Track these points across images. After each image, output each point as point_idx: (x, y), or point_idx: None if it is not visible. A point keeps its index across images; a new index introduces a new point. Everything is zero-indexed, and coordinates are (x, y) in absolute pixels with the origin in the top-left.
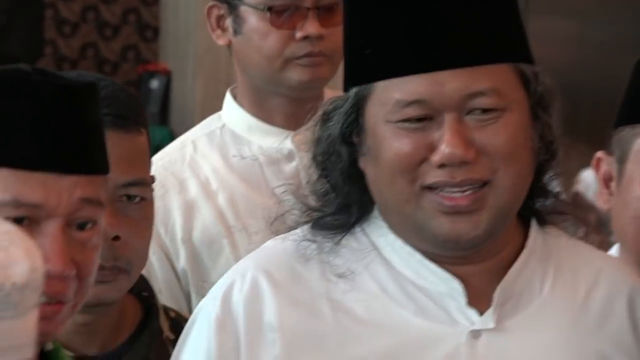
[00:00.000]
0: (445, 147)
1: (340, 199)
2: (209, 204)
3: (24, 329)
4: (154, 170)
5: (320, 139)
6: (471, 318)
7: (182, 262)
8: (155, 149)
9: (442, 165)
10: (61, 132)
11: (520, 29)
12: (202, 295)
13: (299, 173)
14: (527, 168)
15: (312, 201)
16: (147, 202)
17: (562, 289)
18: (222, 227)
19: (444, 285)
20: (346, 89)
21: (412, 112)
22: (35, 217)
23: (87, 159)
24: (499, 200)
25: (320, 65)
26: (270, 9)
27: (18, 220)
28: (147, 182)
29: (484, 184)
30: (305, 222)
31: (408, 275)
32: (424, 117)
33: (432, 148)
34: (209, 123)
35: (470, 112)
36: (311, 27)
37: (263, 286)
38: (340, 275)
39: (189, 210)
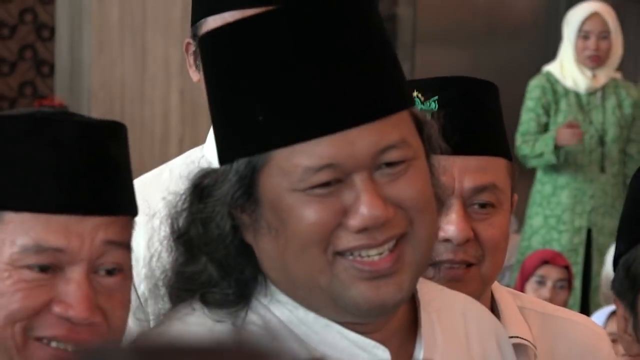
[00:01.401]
0: (365, 210)
1: (234, 274)
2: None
3: None
4: None
5: (197, 219)
6: None
7: (142, 286)
8: None
9: (362, 230)
10: (80, 172)
11: (402, 72)
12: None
13: None
14: (437, 215)
15: (183, 281)
16: None
17: (450, 337)
18: None
19: (367, 355)
20: (227, 160)
21: (323, 177)
22: (59, 263)
23: (110, 200)
24: (417, 253)
25: None
26: None
27: (43, 269)
28: None
29: (399, 237)
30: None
31: (325, 350)
32: (334, 181)
33: (345, 212)
34: (191, 153)
35: (378, 167)
36: None
37: None
38: None
39: (152, 233)
